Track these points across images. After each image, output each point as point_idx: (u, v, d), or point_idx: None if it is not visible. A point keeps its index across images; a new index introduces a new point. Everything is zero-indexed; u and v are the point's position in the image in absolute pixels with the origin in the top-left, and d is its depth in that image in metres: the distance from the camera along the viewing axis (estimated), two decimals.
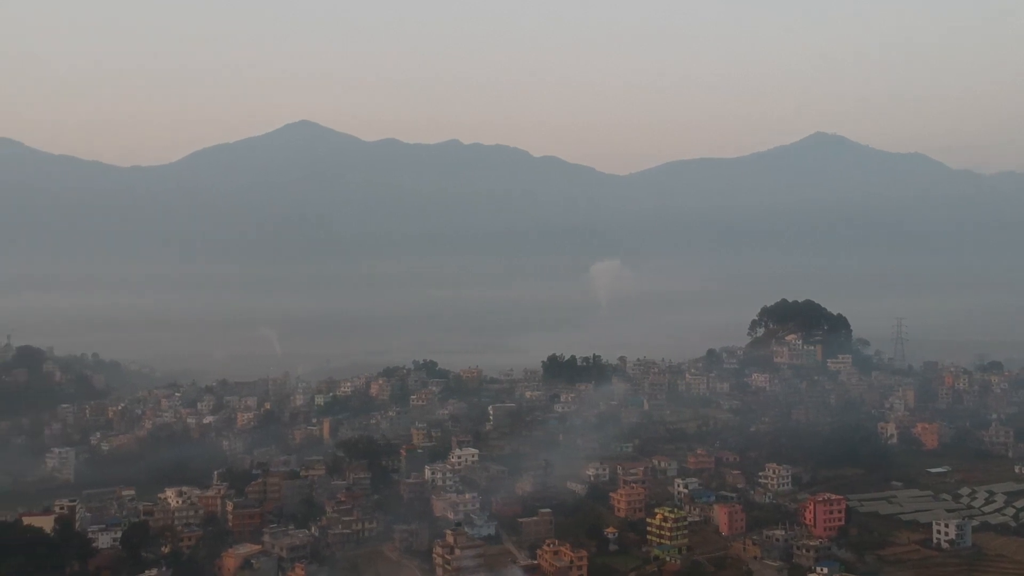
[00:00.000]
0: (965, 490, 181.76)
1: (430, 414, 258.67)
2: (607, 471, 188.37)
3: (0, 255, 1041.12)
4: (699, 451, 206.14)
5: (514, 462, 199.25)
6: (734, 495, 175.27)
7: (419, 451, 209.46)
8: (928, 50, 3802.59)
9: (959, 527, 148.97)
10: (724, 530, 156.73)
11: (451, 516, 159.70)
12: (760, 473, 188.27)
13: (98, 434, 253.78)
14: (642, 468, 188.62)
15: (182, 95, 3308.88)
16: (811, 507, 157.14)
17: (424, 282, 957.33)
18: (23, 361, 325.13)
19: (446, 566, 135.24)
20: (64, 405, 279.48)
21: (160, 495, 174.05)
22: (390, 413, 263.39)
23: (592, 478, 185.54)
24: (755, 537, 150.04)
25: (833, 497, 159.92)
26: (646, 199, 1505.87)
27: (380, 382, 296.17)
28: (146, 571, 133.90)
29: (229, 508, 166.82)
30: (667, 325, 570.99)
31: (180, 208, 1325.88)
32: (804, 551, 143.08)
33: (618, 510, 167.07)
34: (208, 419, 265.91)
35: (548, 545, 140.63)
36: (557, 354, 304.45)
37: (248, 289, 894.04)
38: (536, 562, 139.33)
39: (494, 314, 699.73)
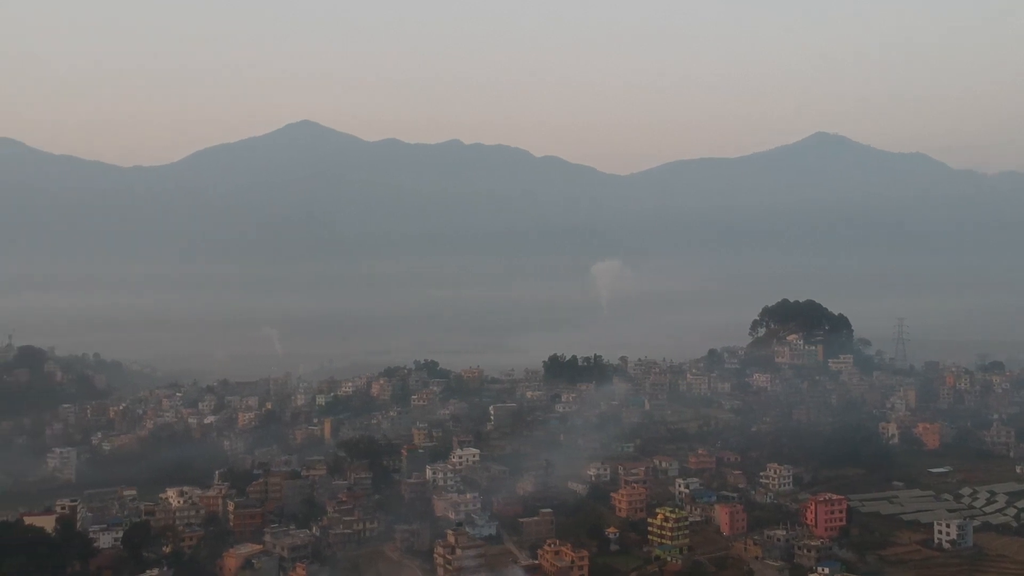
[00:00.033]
0: (966, 490, 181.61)
1: (431, 414, 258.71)
2: (608, 471, 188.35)
3: (1, 255, 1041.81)
4: (700, 451, 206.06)
5: (515, 462, 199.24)
6: (735, 495, 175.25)
7: (420, 451, 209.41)
8: (928, 50, 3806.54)
9: (960, 527, 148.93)
10: (725, 530, 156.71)
11: (452, 516, 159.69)
12: (761, 473, 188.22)
13: (99, 434, 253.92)
14: (643, 468, 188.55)
15: (183, 95, 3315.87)
16: (812, 507, 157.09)
17: (425, 282, 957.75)
18: (24, 361, 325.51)
19: (447, 566, 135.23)
20: (65, 405, 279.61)
21: (161, 495, 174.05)
22: (391, 413, 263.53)
23: (593, 478, 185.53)
24: (756, 537, 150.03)
25: (834, 497, 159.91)
26: (647, 199, 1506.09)
27: (381, 382, 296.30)
28: (147, 571, 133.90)
29: (230, 508, 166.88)
30: (668, 325, 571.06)
31: (181, 208, 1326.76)
32: (805, 551, 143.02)
33: (619, 510, 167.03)
34: (209, 419, 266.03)
35: (549, 545, 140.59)
36: (558, 354, 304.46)
37: (249, 289, 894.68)
38: (537, 562, 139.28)
39: (495, 314, 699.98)
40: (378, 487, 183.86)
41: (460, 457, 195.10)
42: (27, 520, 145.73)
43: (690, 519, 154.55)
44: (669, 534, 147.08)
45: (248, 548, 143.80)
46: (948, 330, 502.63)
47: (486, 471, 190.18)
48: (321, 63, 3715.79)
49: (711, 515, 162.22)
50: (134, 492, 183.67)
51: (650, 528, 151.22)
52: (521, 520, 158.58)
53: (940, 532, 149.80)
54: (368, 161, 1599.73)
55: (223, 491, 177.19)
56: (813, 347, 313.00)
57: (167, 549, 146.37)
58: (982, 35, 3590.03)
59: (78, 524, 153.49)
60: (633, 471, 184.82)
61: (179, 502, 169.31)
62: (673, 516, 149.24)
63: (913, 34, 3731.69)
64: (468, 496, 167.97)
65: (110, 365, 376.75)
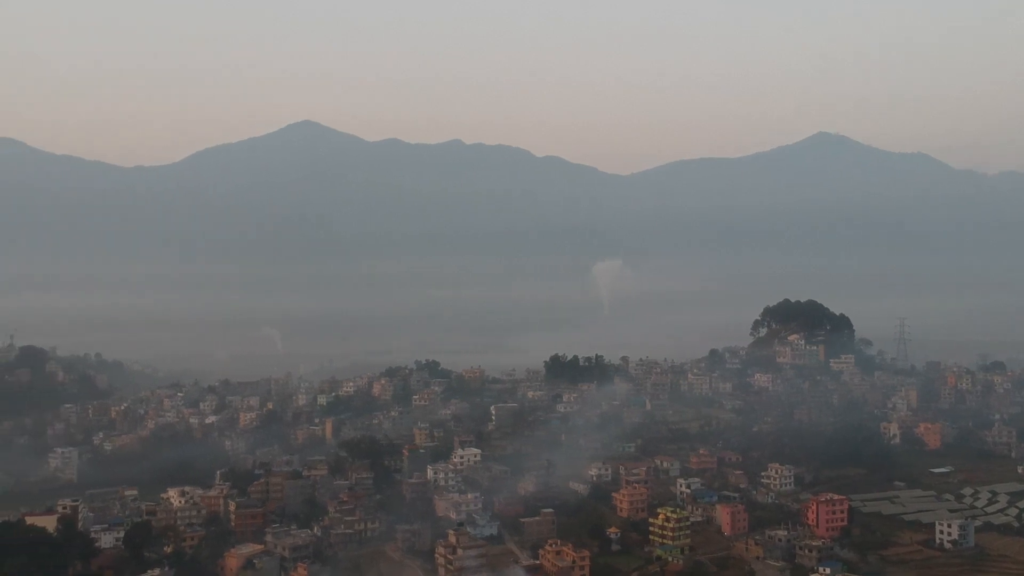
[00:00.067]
0: (968, 490, 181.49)
1: (432, 414, 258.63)
2: (609, 471, 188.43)
3: (3, 255, 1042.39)
4: (701, 451, 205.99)
5: (516, 462, 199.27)
6: (736, 495, 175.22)
7: (421, 451, 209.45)
8: (929, 50, 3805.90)
9: (962, 527, 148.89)
10: (727, 530, 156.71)
11: (453, 516, 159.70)
12: (763, 473, 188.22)
13: (101, 434, 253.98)
14: (644, 468, 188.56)
15: (185, 95, 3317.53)
16: (814, 507, 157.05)
17: (426, 282, 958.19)
18: (26, 361, 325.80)
19: (448, 566, 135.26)
20: (67, 405, 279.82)
21: (163, 495, 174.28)
22: (392, 413, 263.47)
23: (594, 478, 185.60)
24: (757, 537, 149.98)
25: (836, 497, 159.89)
26: (648, 199, 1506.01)
27: (382, 382, 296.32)
28: (149, 571, 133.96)
29: (232, 508, 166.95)
30: (669, 325, 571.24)
31: (183, 208, 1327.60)
32: (807, 551, 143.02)
33: (620, 510, 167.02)
34: (211, 419, 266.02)
35: (550, 545, 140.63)
36: (559, 354, 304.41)
37: (250, 289, 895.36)
38: (538, 562, 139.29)
39: (496, 314, 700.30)
40: (379, 487, 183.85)
41: (461, 457, 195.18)
42: (29, 520, 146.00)
43: (691, 519, 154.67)
44: (670, 534, 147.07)
45: (249, 548, 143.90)
46: (949, 330, 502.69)
47: (487, 471, 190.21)
48: (322, 63, 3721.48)
49: (712, 515, 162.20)
50: (135, 492, 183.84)
51: (651, 528, 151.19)
52: (522, 520, 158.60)
53: (942, 532, 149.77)
54: (369, 161, 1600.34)
55: (224, 491, 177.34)
56: (814, 347, 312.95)
57: (168, 549, 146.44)
58: (982, 35, 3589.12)
59: (79, 524, 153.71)
60: (634, 471, 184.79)
61: (180, 502, 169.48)
62: (674, 516, 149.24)
63: (913, 34, 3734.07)
64: (469, 496, 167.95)
65: (111, 365, 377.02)
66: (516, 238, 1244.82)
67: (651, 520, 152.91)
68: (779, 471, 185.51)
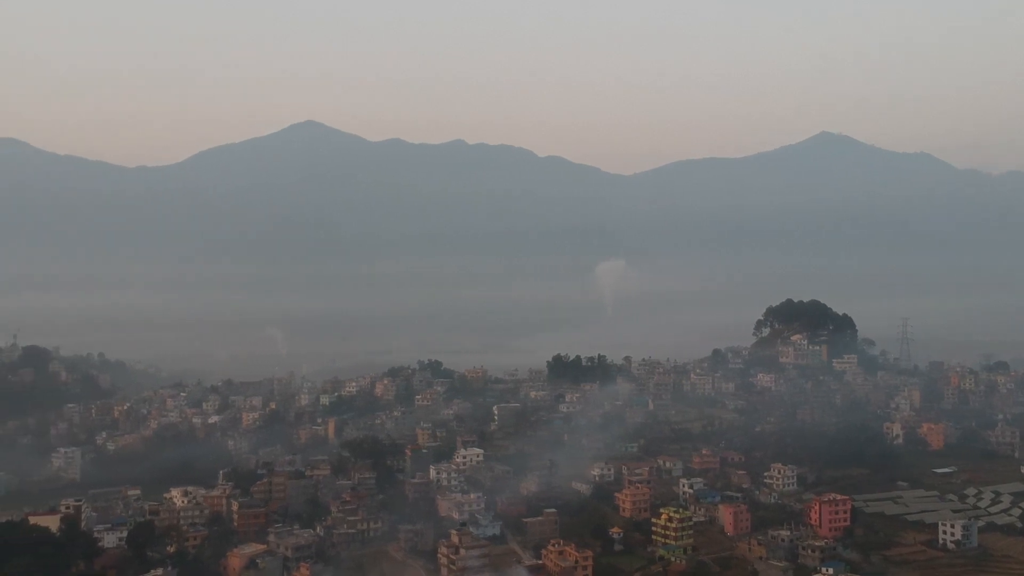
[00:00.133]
0: (971, 490, 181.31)
1: (435, 414, 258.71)
2: (612, 471, 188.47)
3: (7, 255, 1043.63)
4: (704, 451, 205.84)
5: (519, 462, 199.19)
6: (739, 495, 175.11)
7: (424, 451, 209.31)
8: (930, 50, 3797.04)
9: (965, 527, 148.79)
10: (729, 530, 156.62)
11: (456, 516, 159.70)
12: (765, 473, 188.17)
13: (104, 434, 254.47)
14: (647, 468, 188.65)
15: (187, 95, 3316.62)
16: (816, 507, 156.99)
17: (429, 282, 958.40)
18: (29, 361, 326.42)
19: (451, 566, 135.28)
20: (70, 405, 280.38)
21: (166, 495, 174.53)
22: (395, 413, 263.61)
23: (597, 478, 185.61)
24: (760, 537, 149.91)
25: (838, 497, 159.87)
26: (651, 199, 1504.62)
27: (385, 382, 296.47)
28: (151, 571, 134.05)
29: (234, 508, 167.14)
30: (672, 325, 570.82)
31: (186, 208, 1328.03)
32: (809, 551, 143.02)
33: (623, 510, 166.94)
34: (213, 419, 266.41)
35: (553, 545, 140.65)
36: (562, 354, 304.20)
37: (253, 289, 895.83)
38: (541, 562, 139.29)
39: (499, 314, 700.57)
40: (382, 487, 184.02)
41: (464, 457, 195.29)
42: (32, 520, 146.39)
43: (694, 519, 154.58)
44: (673, 534, 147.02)
45: (252, 548, 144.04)
46: (952, 330, 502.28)
47: (490, 471, 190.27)
48: (325, 63, 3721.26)
49: (715, 515, 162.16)
50: (138, 492, 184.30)
51: (654, 528, 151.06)
52: (525, 520, 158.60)
53: (945, 532, 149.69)
54: (372, 161, 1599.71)
55: (227, 491, 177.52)
56: (817, 347, 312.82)
57: (171, 549, 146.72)
58: (983, 35, 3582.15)
59: (82, 524, 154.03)
60: (637, 471, 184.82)
61: (183, 502, 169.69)
62: (677, 516, 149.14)
63: (913, 34, 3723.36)
64: (472, 496, 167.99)
65: (114, 365, 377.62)
66: (519, 238, 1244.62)
67: (654, 520, 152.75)
68: (782, 471, 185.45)
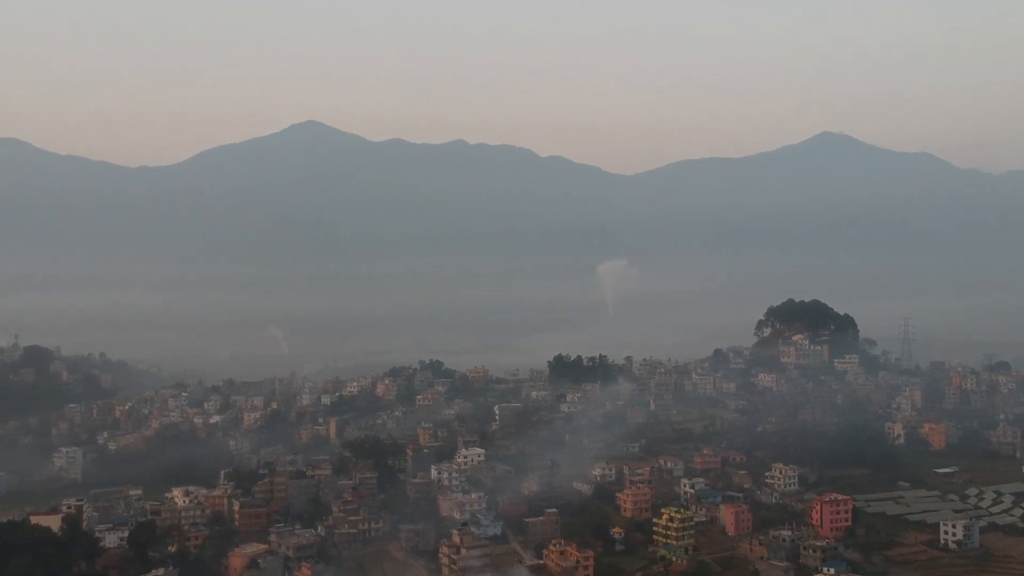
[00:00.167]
0: (972, 490, 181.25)
1: (436, 414, 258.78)
2: (613, 471, 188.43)
3: (8, 255, 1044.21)
4: (705, 451, 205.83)
5: (520, 462, 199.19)
6: (740, 495, 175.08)
7: (425, 451, 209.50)
8: (930, 50, 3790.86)
9: (966, 528, 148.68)
10: (730, 530, 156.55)
11: (457, 516, 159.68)
12: (767, 473, 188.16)
13: (105, 434, 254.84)
14: (648, 468, 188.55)
15: (188, 96, 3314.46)
16: (818, 507, 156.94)
17: (430, 282, 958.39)
18: (31, 361, 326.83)
19: (452, 566, 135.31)
20: (71, 405, 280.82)
21: (167, 494, 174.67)
22: (396, 413, 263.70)
23: (598, 478, 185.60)
24: (761, 537, 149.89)
25: (840, 497, 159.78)
26: (652, 199, 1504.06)
27: (386, 382, 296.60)
28: (153, 570, 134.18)
29: (236, 507, 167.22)
30: (673, 325, 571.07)
31: (187, 208, 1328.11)
32: (811, 551, 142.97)
33: (624, 510, 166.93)
34: (215, 419, 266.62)
35: (554, 545, 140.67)
36: (563, 354, 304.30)
37: (254, 289, 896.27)
38: (542, 562, 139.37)
39: (501, 314, 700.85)
40: (383, 487, 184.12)
41: (465, 457, 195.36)
42: (33, 519, 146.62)
43: (695, 519, 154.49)
44: (674, 534, 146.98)
45: (253, 548, 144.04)
46: (954, 330, 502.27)
47: (491, 471, 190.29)
48: (326, 63, 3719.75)
49: (716, 515, 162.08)
50: (140, 492, 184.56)
51: (655, 528, 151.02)
52: (526, 520, 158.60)
53: (946, 532, 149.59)
54: (373, 161, 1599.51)
55: (228, 491, 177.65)
56: (818, 347, 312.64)
57: (172, 549, 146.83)
58: (984, 35, 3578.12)
59: (84, 524, 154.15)
60: (638, 471, 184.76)
61: (184, 502, 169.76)
62: (678, 516, 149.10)
63: (913, 34, 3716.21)
64: (473, 496, 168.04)
65: (116, 365, 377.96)
66: (520, 238, 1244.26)
67: (655, 520, 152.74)
68: (783, 471, 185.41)
